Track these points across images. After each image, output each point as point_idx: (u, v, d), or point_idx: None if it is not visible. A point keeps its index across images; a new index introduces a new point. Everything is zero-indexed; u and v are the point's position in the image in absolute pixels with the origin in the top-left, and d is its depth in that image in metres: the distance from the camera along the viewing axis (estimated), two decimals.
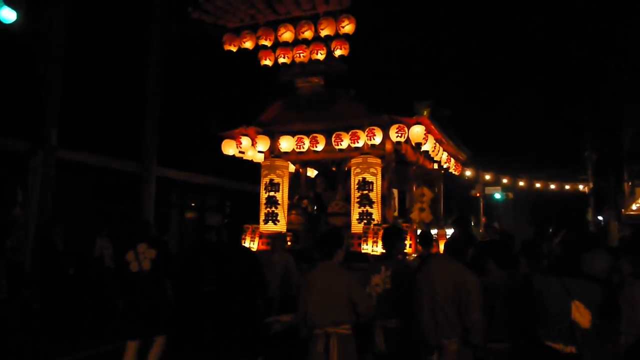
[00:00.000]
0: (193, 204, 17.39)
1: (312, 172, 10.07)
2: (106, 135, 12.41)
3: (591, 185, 29.76)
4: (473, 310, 3.81)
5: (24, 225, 9.94)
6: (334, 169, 9.71)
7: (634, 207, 19.75)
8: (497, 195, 28.32)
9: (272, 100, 8.52)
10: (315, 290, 3.99)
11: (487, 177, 26.30)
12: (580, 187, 29.66)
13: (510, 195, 29.76)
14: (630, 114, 20.39)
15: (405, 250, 7.25)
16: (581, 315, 3.12)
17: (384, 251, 4.96)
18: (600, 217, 27.97)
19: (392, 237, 4.79)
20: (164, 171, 13.44)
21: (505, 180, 27.16)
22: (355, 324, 4.02)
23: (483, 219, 25.14)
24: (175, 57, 12.86)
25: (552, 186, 28.48)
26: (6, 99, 10.02)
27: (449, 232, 9.03)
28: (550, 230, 8.26)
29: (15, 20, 7.20)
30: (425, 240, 6.12)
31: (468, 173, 22.46)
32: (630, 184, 20.67)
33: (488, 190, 27.60)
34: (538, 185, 28.44)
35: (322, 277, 4.04)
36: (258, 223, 8.40)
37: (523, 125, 30.89)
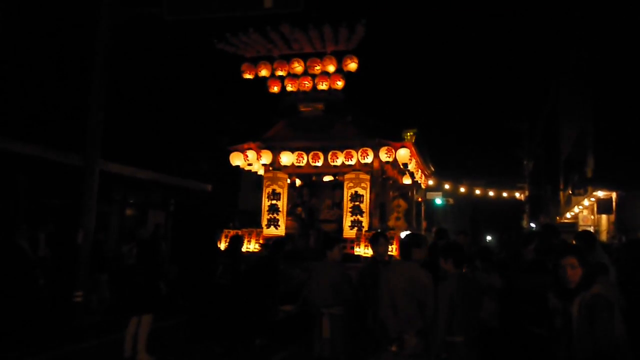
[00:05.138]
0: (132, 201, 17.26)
1: (297, 182, 12.06)
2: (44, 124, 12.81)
3: (527, 192, 32.63)
4: (428, 305, 4.58)
5: None
6: (314, 178, 11.71)
7: (568, 215, 21.63)
8: (438, 201, 30.53)
9: (276, 120, 10.48)
10: (320, 280, 6.04)
11: (430, 182, 28.74)
12: (517, 194, 32.23)
13: (451, 200, 32.24)
14: (567, 125, 22.25)
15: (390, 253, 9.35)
16: (554, 304, 4.13)
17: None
18: (532, 224, 30.47)
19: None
20: (106, 165, 12.61)
21: (447, 186, 29.51)
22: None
23: (424, 224, 27.47)
24: (125, 45, 13.35)
25: (491, 193, 31.14)
26: None
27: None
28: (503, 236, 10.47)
29: None
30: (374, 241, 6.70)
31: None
32: (567, 192, 22.36)
33: (430, 195, 29.55)
34: (478, 191, 31.00)
35: (325, 271, 6.15)
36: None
37: (466, 135, 33.74)
